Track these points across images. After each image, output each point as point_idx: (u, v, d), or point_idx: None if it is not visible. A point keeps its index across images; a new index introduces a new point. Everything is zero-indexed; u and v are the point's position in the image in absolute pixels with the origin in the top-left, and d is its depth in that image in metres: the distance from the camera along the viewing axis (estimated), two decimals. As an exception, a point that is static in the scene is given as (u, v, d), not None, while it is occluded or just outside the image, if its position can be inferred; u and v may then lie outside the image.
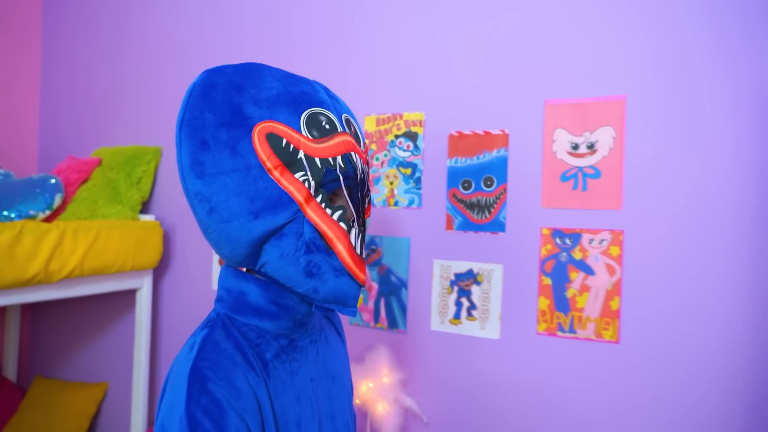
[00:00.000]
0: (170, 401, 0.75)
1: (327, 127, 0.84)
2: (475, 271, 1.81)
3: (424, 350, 1.87)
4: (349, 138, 0.85)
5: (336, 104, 0.89)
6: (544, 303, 1.70)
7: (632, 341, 1.59)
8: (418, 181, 1.89)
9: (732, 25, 1.49)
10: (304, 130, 0.81)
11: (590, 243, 1.64)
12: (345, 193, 0.85)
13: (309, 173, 0.81)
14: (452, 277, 1.85)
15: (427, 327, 1.87)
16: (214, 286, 2.23)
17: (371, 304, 1.96)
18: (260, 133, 0.79)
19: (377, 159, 1.96)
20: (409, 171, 1.91)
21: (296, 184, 0.80)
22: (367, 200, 0.91)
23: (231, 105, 0.80)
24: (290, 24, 2.12)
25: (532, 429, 1.70)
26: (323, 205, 0.82)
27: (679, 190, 1.54)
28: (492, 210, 1.78)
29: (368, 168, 0.94)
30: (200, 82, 0.83)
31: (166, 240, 2.39)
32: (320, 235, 0.81)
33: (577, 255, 1.66)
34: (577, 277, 1.66)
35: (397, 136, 1.93)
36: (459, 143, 1.83)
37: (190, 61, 2.35)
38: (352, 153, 0.85)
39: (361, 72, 1.98)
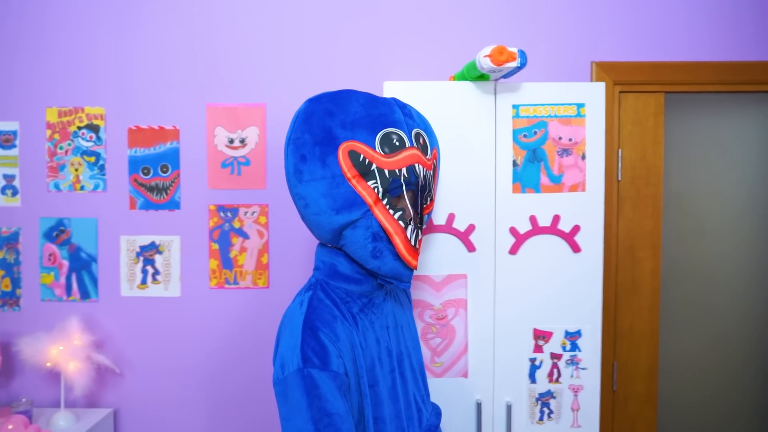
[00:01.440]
0: (288, 343, 0.99)
1: (397, 144, 1.06)
2: (157, 242, 2.19)
3: (117, 314, 2.19)
4: (415, 152, 1.08)
5: (409, 121, 1.11)
6: (213, 263, 2.19)
7: (279, 286, 2.18)
8: (102, 167, 2.18)
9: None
10: (378, 148, 1.04)
11: (245, 215, 2.17)
12: (406, 197, 1.08)
13: (378, 181, 1.04)
14: (138, 249, 2.20)
15: (118, 294, 2.19)
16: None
17: (63, 279, 2.20)
18: (344, 151, 1.02)
19: (61, 148, 2.18)
20: (93, 159, 2.19)
21: (368, 190, 1.03)
22: (429, 200, 1.16)
23: (323, 128, 1.04)
24: None
25: (223, 368, 2.18)
26: (387, 206, 1.05)
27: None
28: (168, 191, 2.18)
29: (434, 173, 1.19)
30: (303, 110, 1.09)
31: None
32: (383, 228, 1.05)
33: (237, 224, 2.18)
34: (237, 241, 2.18)
35: (79, 128, 2.18)
36: (138, 135, 2.18)
37: None
38: (416, 165, 1.08)
39: (42, 65, 2.17)
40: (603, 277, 1.90)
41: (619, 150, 2.06)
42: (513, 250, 1.58)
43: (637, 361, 2.10)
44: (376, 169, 1.03)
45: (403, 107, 1.13)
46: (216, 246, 2.13)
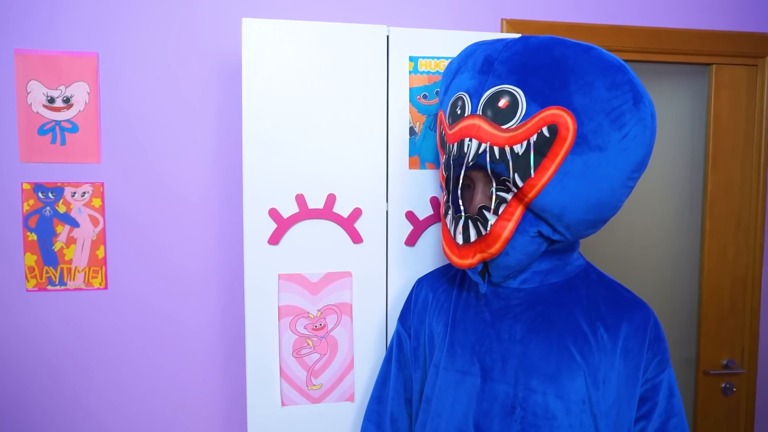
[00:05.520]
0: None
1: (458, 112, 0.92)
2: (-49, 232, 1.64)
3: None
4: (471, 122, 0.88)
5: (492, 77, 0.88)
6: (31, 259, 1.67)
7: (120, 286, 1.70)
8: None
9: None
10: (447, 117, 0.96)
11: (73, 196, 1.67)
12: (451, 179, 0.92)
13: (442, 160, 0.98)
14: None
15: None
16: None
17: None
18: (439, 118, 1.04)
19: None
20: None
21: (440, 169, 0.97)
22: (481, 185, 0.91)
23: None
24: None
25: (29, 389, 1.68)
26: (444, 190, 0.95)
27: (152, 145, 1.68)
28: (-35, 165, 1.63)
29: (528, 149, 0.86)
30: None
31: None
32: None
33: (61, 208, 1.67)
34: (63, 230, 1.67)
35: None
36: None
37: None
38: (466, 138, 0.88)
39: None
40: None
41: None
42: (410, 241, 1.27)
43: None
44: (444, 144, 0.98)
45: (499, 53, 0.91)
46: (33, 236, 1.62)
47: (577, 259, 1.01)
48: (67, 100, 1.65)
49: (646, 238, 1.97)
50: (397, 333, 1.16)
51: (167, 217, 1.70)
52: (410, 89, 1.29)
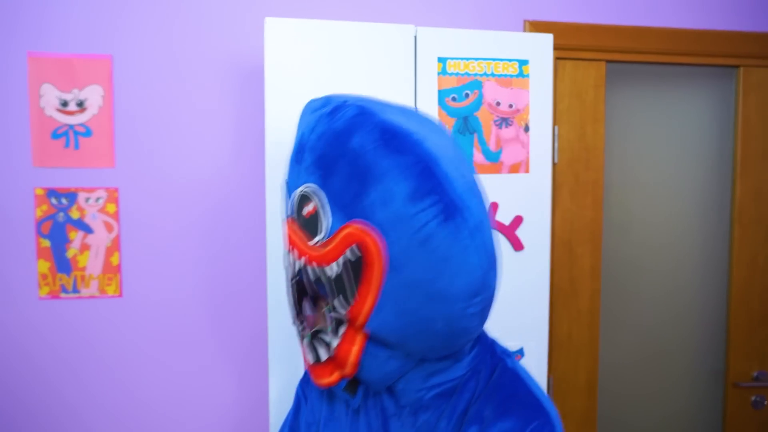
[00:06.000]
0: None
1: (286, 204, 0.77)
2: (-38, 239, 1.60)
3: None
4: (289, 227, 0.73)
5: (303, 170, 0.71)
6: (44, 266, 1.63)
7: (134, 294, 1.65)
8: None
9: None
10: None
11: (87, 201, 1.62)
12: (288, 287, 0.76)
13: None
14: (-67, 249, 1.59)
15: None
16: None
17: None
18: None
19: None
20: None
21: None
22: (323, 304, 0.73)
23: None
24: None
25: (42, 398, 1.63)
26: None
27: (168, 149, 1.63)
28: (-23, 170, 1.59)
29: (319, 267, 0.70)
30: None
31: None
32: None
33: (75, 214, 1.62)
34: (76, 236, 1.63)
35: None
36: (-72, 92, 1.56)
37: None
38: (290, 247, 0.73)
39: None
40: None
41: (555, 127, 1.71)
42: None
43: (576, 375, 1.77)
44: None
45: (311, 132, 0.72)
46: (47, 243, 1.58)
47: (476, 357, 0.78)
48: (80, 104, 1.61)
49: (670, 246, 1.91)
50: (297, 396, 0.97)
51: (183, 223, 1.66)
52: (439, 91, 1.24)
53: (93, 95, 1.61)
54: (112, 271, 1.66)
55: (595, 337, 1.81)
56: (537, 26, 1.77)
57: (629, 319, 1.91)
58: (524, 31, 1.78)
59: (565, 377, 1.80)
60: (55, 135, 1.61)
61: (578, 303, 1.80)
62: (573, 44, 1.77)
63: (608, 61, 1.81)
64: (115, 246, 1.65)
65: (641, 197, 1.90)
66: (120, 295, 1.66)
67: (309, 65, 1.18)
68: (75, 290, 1.65)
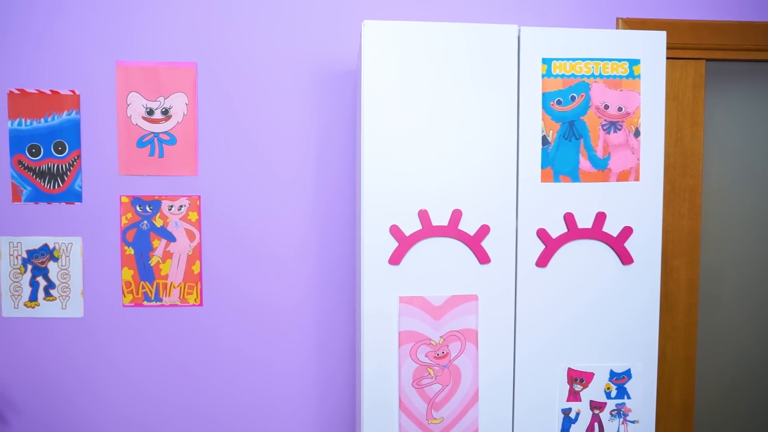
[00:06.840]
0: None
1: None
2: (51, 245, 1.63)
3: (-4, 341, 1.63)
4: None
5: None
6: (128, 274, 1.64)
7: (215, 303, 1.64)
8: (-29, 145, 1.60)
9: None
10: None
11: (170, 209, 1.62)
12: None
13: None
14: (24, 255, 1.63)
15: (-3, 314, 1.62)
16: None
17: None
18: None
19: None
20: (-42, 133, 1.60)
21: None
22: None
23: None
24: None
25: (126, 403, 1.65)
26: None
27: (251, 155, 1.62)
28: (66, 178, 1.62)
29: None
30: None
31: None
32: None
33: (158, 222, 1.63)
34: (159, 244, 1.63)
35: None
36: (22, 102, 1.60)
37: None
38: None
39: None
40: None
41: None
42: (542, 262, 1.17)
43: (670, 397, 1.66)
44: None
45: None
46: (131, 251, 1.58)
47: None
48: (165, 112, 1.61)
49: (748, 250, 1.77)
50: None
51: (266, 232, 1.63)
52: (543, 94, 1.17)
53: (178, 103, 1.61)
54: (193, 279, 1.65)
55: (692, 355, 1.69)
56: (630, 23, 1.67)
57: (728, 336, 1.77)
58: (617, 28, 1.68)
59: (658, 399, 1.69)
60: (141, 143, 1.61)
61: (673, 319, 1.69)
62: (669, 42, 1.66)
63: (708, 60, 1.69)
64: (196, 254, 1.64)
65: (743, 205, 1.76)
66: (201, 304, 1.65)
67: (407, 69, 1.14)
68: (158, 298, 1.65)
